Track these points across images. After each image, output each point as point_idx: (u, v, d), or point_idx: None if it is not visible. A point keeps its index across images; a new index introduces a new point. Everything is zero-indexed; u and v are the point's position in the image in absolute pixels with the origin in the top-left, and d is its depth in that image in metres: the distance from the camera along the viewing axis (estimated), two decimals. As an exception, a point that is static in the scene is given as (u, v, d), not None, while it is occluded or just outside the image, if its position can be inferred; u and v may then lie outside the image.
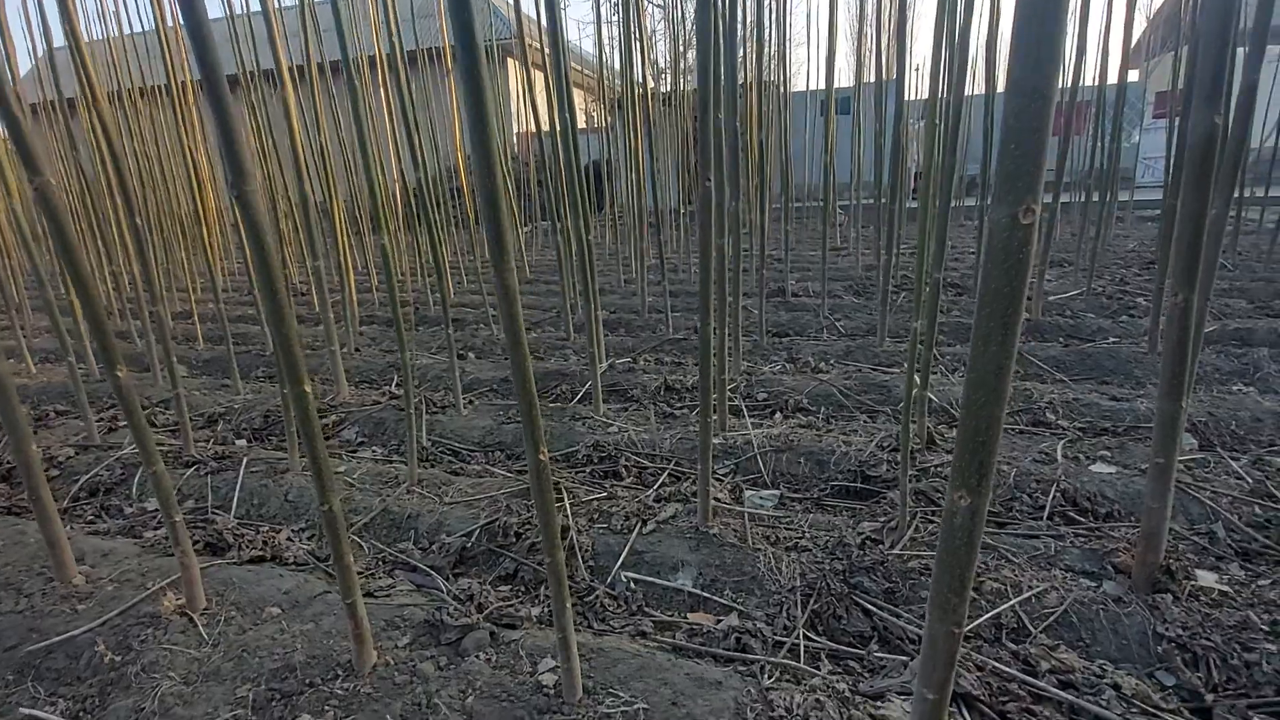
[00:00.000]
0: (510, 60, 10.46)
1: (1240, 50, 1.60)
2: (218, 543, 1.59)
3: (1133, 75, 9.80)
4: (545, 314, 3.94)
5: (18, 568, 1.43)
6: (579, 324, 3.43)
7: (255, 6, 2.98)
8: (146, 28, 4.21)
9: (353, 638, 1.07)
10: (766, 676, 1.07)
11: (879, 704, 0.99)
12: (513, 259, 0.75)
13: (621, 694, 1.01)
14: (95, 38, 3.96)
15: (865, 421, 2.10)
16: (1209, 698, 1.00)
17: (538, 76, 6.11)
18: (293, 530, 1.68)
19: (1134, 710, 0.98)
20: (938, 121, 1.58)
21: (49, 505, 1.30)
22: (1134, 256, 4.53)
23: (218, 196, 4.78)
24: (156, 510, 1.82)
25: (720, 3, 1.70)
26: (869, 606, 1.21)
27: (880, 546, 1.35)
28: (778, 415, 2.19)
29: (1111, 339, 2.71)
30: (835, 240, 6.20)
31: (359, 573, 1.47)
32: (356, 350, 3.32)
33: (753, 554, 1.36)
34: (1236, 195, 4.50)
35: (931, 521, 1.45)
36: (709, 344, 1.37)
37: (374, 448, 2.21)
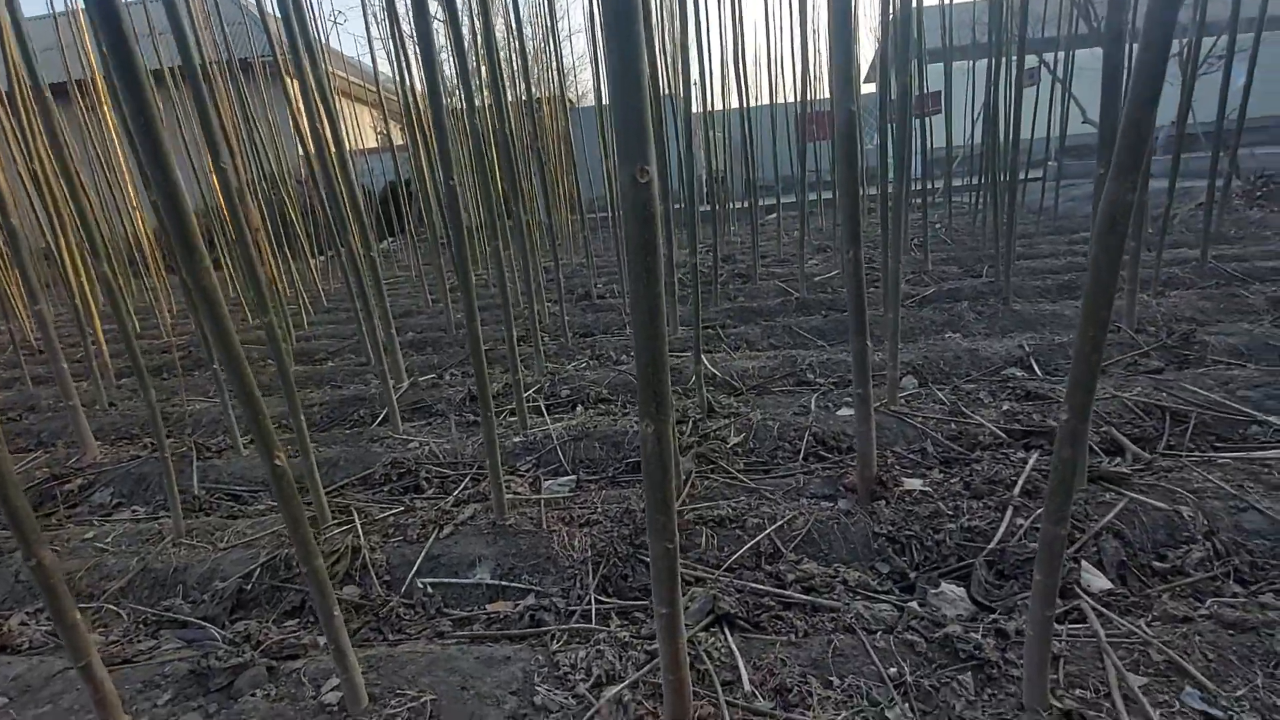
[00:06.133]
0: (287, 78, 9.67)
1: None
2: (-84, 646, 1.32)
3: (870, 88, 11.39)
4: (344, 341, 3.72)
5: None
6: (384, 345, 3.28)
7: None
8: None
9: (94, 705, 0.96)
10: (556, 643, 1.13)
11: (652, 641, 1.09)
12: (206, 259, 0.73)
13: (409, 691, 1.01)
14: None
15: (658, 403, 2.26)
16: (912, 575, 1.23)
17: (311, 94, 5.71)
18: (26, 613, 1.45)
19: (858, 597, 1.17)
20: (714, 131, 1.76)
21: None
22: (880, 239, 5.29)
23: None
24: None
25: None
26: (651, 561, 1.32)
27: (660, 507, 1.48)
28: (579, 408, 2.28)
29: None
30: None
31: (113, 641, 1.31)
32: (111, 405, 2.90)
33: (548, 536, 1.42)
34: (944, 184, 5.42)
35: (707, 478, 1.61)
36: (478, 339, 1.41)
37: (134, 507, 1.95)
